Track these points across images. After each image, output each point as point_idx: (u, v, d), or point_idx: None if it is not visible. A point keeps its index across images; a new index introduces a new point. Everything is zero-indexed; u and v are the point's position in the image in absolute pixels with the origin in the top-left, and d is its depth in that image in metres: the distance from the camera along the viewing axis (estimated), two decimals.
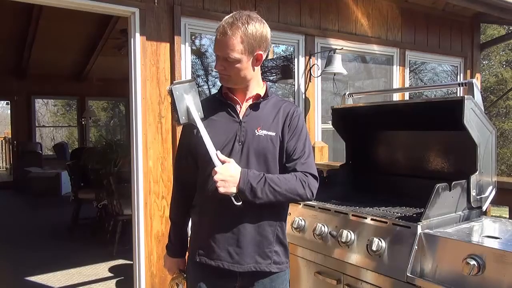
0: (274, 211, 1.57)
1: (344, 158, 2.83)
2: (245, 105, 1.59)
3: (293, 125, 1.58)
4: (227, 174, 1.42)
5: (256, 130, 1.54)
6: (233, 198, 1.44)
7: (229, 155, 1.51)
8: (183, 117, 1.54)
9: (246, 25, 1.45)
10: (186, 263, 1.71)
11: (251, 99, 1.60)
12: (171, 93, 1.54)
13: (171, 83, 1.59)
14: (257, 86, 1.61)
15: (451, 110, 2.06)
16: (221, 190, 1.41)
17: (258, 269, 1.55)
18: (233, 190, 1.43)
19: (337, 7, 3.82)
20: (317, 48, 3.70)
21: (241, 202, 1.44)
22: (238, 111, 1.58)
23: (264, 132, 1.54)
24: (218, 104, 1.60)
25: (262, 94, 1.60)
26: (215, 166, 1.46)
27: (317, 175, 1.57)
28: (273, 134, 1.55)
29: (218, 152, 1.48)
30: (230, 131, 1.55)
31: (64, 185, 8.52)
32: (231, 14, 1.50)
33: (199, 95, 1.60)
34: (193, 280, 1.62)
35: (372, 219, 2.01)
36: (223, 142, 1.53)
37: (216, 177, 1.41)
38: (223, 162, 1.46)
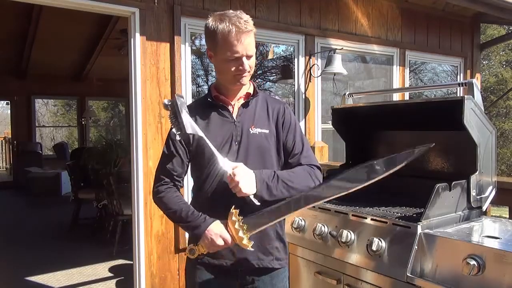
0: None
1: (344, 158, 2.83)
2: (237, 105, 1.61)
3: (286, 122, 1.63)
4: (246, 175, 1.43)
5: (250, 129, 1.57)
6: (254, 199, 1.43)
7: (227, 155, 1.53)
8: (189, 128, 1.48)
9: (251, 22, 1.53)
10: (185, 263, 1.70)
11: (242, 98, 1.62)
12: (174, 103, 1.49)
13: (172, 96, 1.55)
14: (247, 85, 1.64)
15: (451, 110, 2.05)
16: (245, 190, 1.41)
17: (260, 266, 1.57)
18: (254, 190, 1.44)
19: (337, 7, 3.82)
20: (317, 48, 3.70)
21: (259, 203, 1.43)
22: (231, 112, 1.60)
23: (258, 130, 1.58)
24: (210, 107, 1.61)
25: (251, 92, 1.64)
26: (213, 169, 1.50)
27: (320, 166, 1.64)
28: (267, 131, 1.59)
29: (226, 158, 1.47)
30: (226, 132, 1.57)
31: (64, 185, 8.52)
32: (229, 18, 1.49)
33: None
34: (193, 280, 1.62)
35: (372, 219, 2.01)
36: (221, 143, 1.54)
37: (237, 179, 1.41)
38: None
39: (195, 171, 1.63)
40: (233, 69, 1.51)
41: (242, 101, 1.62)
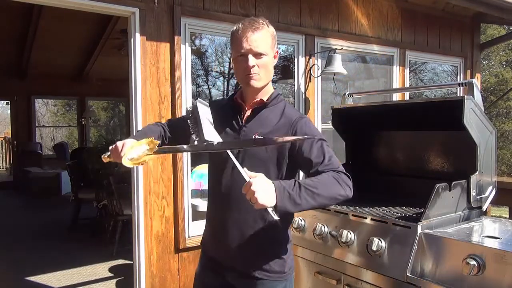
0: (269, 223, 1.57)
1: (344, 158, 2.83)
2: (249, 110, 1.62)
3: (300, 134, 1.54)
4: (264, 185, 1.28)
5: (254, 135, 1.56)
6: (271, 212, 1.28)
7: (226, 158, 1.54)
8: (209, 136, 1.43)
9: (268, 25, 1.56)
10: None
11: (256, 104, 1.62)
12: (195, 109, 1.48)
13: (194, 99, 1.54)
14: (267, 91, 1.62)
15: (451, 110, 2.06)
16: (261, 201, 1.25)
17: (245, 272, 1.59)
18: (273, 201, 1.28)
19: (337, 7, 3.82)
20: (317, 48, 3.69)
21: (278, 217, 1.29)
22: (243, 116, 1.62)
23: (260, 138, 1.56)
24: (226, 107, 1.66)
25: (265, 99, 1.61)
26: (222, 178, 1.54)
27: (345, 171, 1.49)
28: None
29: (245, 168, 1.34)
30: (230, 134, 1.60)
31: (64, 185, 8.51)
32: (244, 20, 1.56)
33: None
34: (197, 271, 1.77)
35: (372, 219, 2.01)
36: None
37: (253, 188, 1.25)
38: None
39: (210, 169, 1.70)
40: (242, 68, 1.53)
41: (255, 106, 1.62)
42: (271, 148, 1.55)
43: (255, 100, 1.61)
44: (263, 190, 1.26)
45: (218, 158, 1.58)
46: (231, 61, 1.62)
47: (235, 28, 1.55)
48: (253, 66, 1.50)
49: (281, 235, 1.64)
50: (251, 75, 1.52)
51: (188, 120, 1.50)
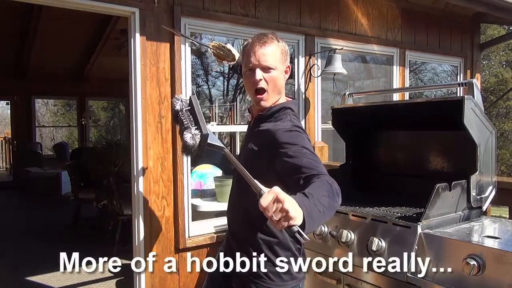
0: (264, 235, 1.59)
1: (344, 158, 2.83)
2: (254, 120, 1.66)
3: (275, 142, 1.46)
4: (287, 196, 1.03)
5: (249, 144, 1.59)
6: (298, 231, 1.02)
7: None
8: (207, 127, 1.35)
9: (278, 40, 1.56)
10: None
11: (258, 114, 1.64)
12: (193, 101, 1.40)
13: (173, 96, 1.48)
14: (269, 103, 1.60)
15: (451, 110, 2.06)
16: (293, 213, 1.01)
17: (240, 271, 1.60)
18: (301, 214, 1.04)
19: (337, 7, 3.82)
20: (317, 48, 3.69)
21: (307, 238, 1.06)
22: (251, 123, 1.68)
23: (252, 145, 1.57)
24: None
25: (263, 111, 1.59)
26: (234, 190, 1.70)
27: (323, 172, 1.37)
28: (256, 149, 1.55)
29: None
30: (243, 142, 1.71)
31: (64, 185, 8.51)
32: (254, 36, 1.58)
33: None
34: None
35: (372, 219, 2.01)
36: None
37: (281, 197, 1.01)
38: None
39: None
40: (250, 83, 1.53)
41: (256, 117, 1.65)
42: (254, 155, 1.53)
43: (259, 112, 1.63)
44: (290, 200, 1.01)
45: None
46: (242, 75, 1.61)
47: (245, 43, 1.57)
48: (260, 79, 1.49)
49: (279, 239, 1.61)
50: (259, 97, 1.53)
51: (180, 113, 1.40)
